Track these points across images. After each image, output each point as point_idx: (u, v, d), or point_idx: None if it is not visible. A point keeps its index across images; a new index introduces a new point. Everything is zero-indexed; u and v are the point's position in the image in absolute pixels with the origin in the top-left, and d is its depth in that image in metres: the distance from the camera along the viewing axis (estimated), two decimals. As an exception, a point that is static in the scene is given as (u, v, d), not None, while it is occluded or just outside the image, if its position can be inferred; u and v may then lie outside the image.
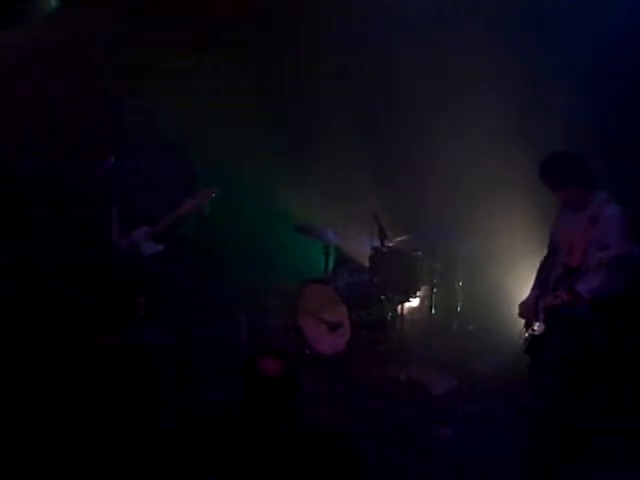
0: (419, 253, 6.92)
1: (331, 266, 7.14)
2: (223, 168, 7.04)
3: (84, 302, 5.32)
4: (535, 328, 4.82)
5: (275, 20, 7.29)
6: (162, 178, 5.90)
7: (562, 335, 4.64)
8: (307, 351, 6.65)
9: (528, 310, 4.94)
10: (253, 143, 7.14)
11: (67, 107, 6.85)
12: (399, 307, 6.86)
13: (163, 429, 4.57)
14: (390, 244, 6.86)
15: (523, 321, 6.19)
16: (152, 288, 5.42)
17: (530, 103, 6.66)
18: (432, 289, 7.04)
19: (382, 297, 6.81)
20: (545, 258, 5.08)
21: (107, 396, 4.11)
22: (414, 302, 7.06)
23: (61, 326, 5.82)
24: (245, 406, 3.33)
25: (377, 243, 6.88)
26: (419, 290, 6.98)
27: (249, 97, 7.07)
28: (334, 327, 6.61)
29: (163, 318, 5.54)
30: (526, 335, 4.89)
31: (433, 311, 7.04)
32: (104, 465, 4.00)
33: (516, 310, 6.55)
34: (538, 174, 4.76)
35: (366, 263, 7.06)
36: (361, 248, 7.23)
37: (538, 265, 5.14)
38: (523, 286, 6.47)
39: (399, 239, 7.01)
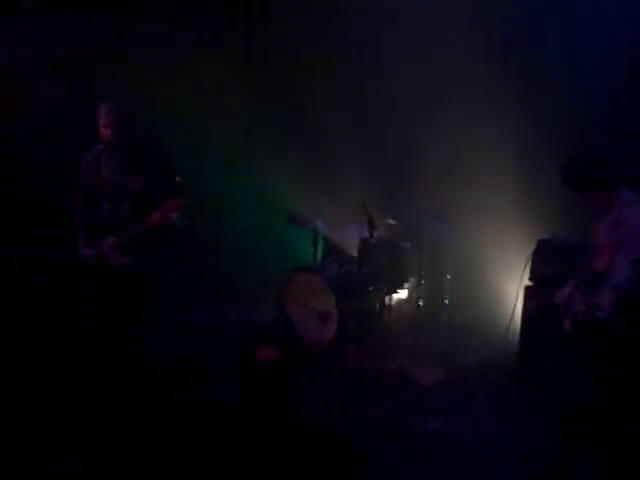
0: (408, 245, 6.95)
1: (320, 256, 7.15)
2: (213, 160, 7.03)
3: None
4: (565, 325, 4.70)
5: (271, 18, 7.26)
6: (132, 186, 5.40)
7: (588, 338, 4.50)
8: (295, 340, 6.65)
9: (561, 299, 4.75)
10: (243, 135, 7.10)
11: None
12: (387, 298, 6.89)
13: (161, 422, 4.61)
14: (378, 234, 6.88)
15: (509, 314, 6.31)
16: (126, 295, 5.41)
17: (522, 96, 6.68)
18: (420, 281, 7.09)
19: (370, 288, 6.83)
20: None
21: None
22: (402, 293, 7.10)
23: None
24: (243, 395, 3.35)
25: (366, 234, 6.89)
26: (407, 281, 7.02)
27: (240, 89, 7.00)
28: (322, 316, 6.62)
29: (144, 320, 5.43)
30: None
31: (421, 303, 7.09)
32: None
33: (502, 302, 6.70)
34: (561, 172, 4.52)
35: (355, 253, 7.08)
36: (350, 238, 7.25)
37: (530, 258, 5.10)
38: (511, 278, 6.58)
39: (388, 221, 7.02)
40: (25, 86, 6.46)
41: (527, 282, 6.31)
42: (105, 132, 5.25)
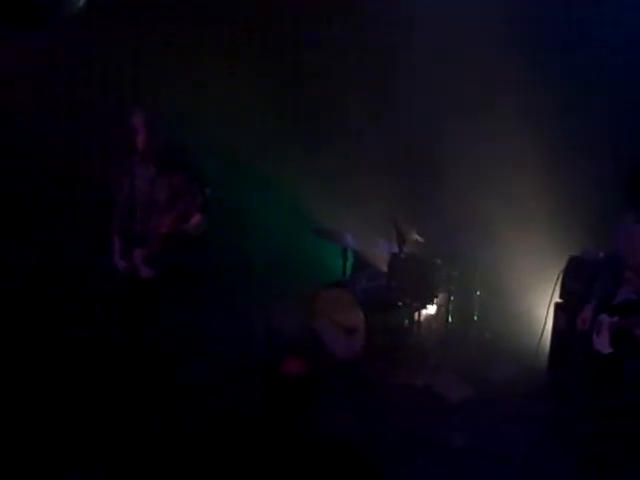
0: (438, 261, 6.91)
1: (349, 270, 7.14)
2: (241, 171, 7.07)
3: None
4: (597, 344, 4.71)
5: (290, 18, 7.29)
6: (162, 196, 5.37)
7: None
8: (323, 355, 6.64)
9: (585, 323, 4.81)
10: (272, 145, 7.11)
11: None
12: (416, 314, 6.85)
13: (181, 429, 4.61)
14: (408, 250, 6.87)
15: (539, 331, 6.25)
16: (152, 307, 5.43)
17: (556, 107, 6.64)
18: (449, 297, 7.03)
19: (399, 303, 6.81)
20: (602, 271, 4.91)
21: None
22: (431, 309, 7.05)
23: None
24: (266, 406, 3.36)
25: (395, 249, 6.88)
26: (436, 297, 6.97)
27: (270, 103, 7.04)
28: (350, 331, 6.61)
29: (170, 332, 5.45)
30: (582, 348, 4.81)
31: (450, 319, 7.02)
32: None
33: (532, 319, 6.64)
34: (629, 186, 4.52)
35: (384, 268, 7.06)
36: (379, 253, 7.25)
37: (560, 275, 5.06)
38: (541, 295, 6.52)
39: (416, 238, 7.00)
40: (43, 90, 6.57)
41: (557, 299, 6.26)
42: (140, 143, 5.30)
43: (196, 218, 5.35)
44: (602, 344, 4.68)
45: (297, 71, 7.36)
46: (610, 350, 4.64)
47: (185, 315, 5.53)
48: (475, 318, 7.12)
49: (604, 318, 4.70)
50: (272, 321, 6.90)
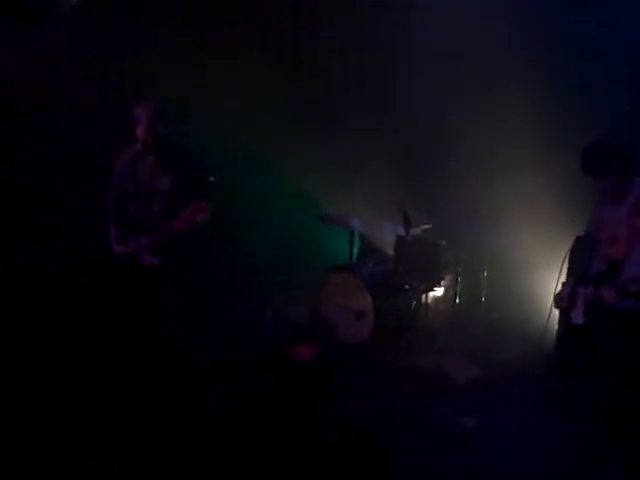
0: (444, 242, 6.92)
1: (355, 254, 7.16)
2: (247, 160, 7.08)
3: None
4: (573, 317, 4.83)
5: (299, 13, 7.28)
6: (163, 186, 5.41)
7: (610, 329, 4.60)
8: (331, 339, 6.67)
9: (565, 300, 4.93)
10: (274, 131, 7.10)
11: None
12: (423, 296, 6.87)
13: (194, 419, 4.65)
14: (415, 232, 6.87)
15: (547, 310, 6.24)
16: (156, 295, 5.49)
17: (556, 87, 6.62)
18: (456, 278, 7.04)
19: (406, 286, 6.83)
20: (577, 248, 5.04)
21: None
22: (438, 291, 7.06)
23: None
24: (276, 393, 3.37)
25: (402, 232, 6.89)
26: (443, 279, 6.99)
27: (272, 89, 7.04)
28: (358, 315, 6.63)
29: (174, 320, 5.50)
30: (561, 325, 4.88)
31: (457, 300, 7.04)
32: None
33: (539, 299, 6.63)
34: (580, 162, 4.68)
35: (391, 252, 7.07)
36: (386, 236, 7.25)
37: (567, 254, 5.12)
38: (547, 275, 6.51)
39: (423, 227, 7.00)
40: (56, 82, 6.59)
41: (564, 279, 6.25)
42: (142, 133, 5.34)
43: (202, 215, 5.40)
44: (577, 317, 4.82)
45: (299, 58, 7.35)
46: (583, 320, 4.76)
47: (188, 304, 5.58)
48: (482, 299, 7.12)
49: (580, 291, 4.83)
50: (279, 308, 6.93)
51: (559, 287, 6.01)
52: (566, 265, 6.16)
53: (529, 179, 6.66)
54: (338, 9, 7.17)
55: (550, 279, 6.38)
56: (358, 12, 7.22)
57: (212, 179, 5.55)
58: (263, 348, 5.94)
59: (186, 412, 5.08)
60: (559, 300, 5.01)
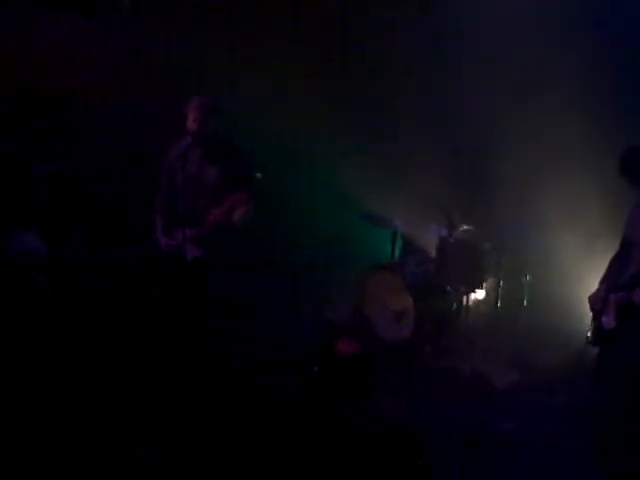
0: (487, 245, 6.88)
1: (397, 254, 7.16)
2: (290, 156, 7.12)
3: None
4: (604, 322, 4.81)
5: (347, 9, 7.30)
6: (209, 179, 5.49)
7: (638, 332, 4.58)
8: (372, 339, 6.67)
9: (597, 303, 4.92)
10: (321, 131, 7.11)
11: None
12: (465, 298, 6.84)
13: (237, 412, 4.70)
14: (458, 234, 6.85)
15: (590, 315, 6.18)
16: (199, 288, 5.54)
17: (606, 90, 6.55)
18: (499, 282, 7.00)
19: (448, 288, 6.81)
20: (617, 254, 5.03)
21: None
22: (480, 294, 7.02)
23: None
24: (316, 386, 3.41)
25: (445, 233, 6.87)
26: (485, 282, 6.95)
27: (321, 89, 7.04)
28: (399, 315, 6.63)
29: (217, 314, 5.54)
30: (592, 328, 4.87)
31: (499, 304, 6.99)
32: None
33: (583, 305, 6.55)
34: (618, 167, 4.71)
35: (433, 253, 7.06)
36: (428, 238, 7.23)
37: (610, 259, 5.08)
38: (591, 280, 6.43)
39: (466, 228, 6.97)
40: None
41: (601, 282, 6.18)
42: (192, 125, 5.42)
43: (242, 209, 5.48)
44: (608, 321, 4.81)
45: (348, 58, 7.36)
46: (614, 325, 4.75)
47: (230, 297, 5.64)
48: (525, 303, 7.06)
49: (611, 296, 4.82)
50: (322, 307, 6.95)
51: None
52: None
53: (576, 182, 6.58)
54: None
55: (595, 284, 6.35)
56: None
57: (259, 175, 5.61)
58: (306, 342, 5.96)
59: (224, 402, 5.12)
60: (592, 303, 5.02)
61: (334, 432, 3.35)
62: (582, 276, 6.74)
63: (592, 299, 5.03)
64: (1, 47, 6.49)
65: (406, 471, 3.70)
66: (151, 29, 6.72)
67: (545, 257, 7.04)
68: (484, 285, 6.96)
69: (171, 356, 5.40)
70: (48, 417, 4.54)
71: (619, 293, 4.73)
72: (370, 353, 5.42)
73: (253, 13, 7.10)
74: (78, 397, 4.88)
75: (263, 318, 6.42)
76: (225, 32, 6.94)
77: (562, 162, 6.68)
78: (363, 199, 7.27)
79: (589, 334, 4.97)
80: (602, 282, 5.04)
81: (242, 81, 6.84)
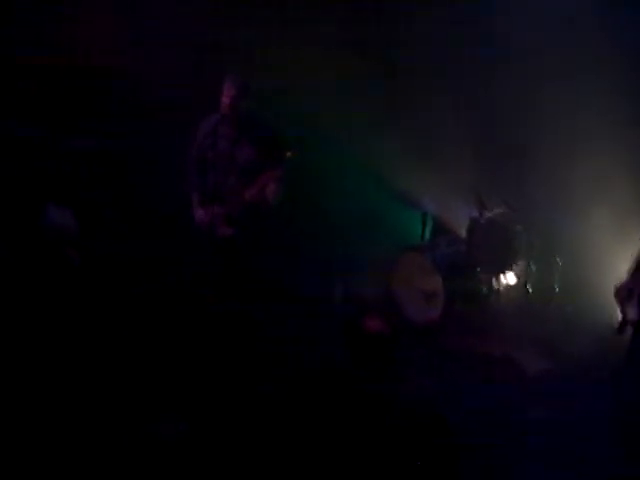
0: (518, 227, 6.82)
1: (428, 235, 7.12)
2: (320, 136, 7.06)
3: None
4: (628, 312, 4.79)
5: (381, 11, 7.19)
6: (242, 157, 5.50)
7: None
8: (401, 319, 6.64)
9: (623, 293, 4.87)
10: (350, 112, 7.08)
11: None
12: (495, 281, 6.79)
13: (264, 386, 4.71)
14: (489, 215, 6.79)
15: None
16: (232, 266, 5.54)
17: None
18: (529, 266, 6.93)
19: (478, 269, 6.77)
20: None
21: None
22: (510, 278, 6.96)
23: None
24: (348, 363, 3.39)
25: (476, 214, 6.81)
26: (516, 264, 6.89)
27: (352, 76, 7.02)
28: (429, 296, 6.60)
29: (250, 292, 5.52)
30: (619, 318, 4.83)
31: (530, 289, 6.93)
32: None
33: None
34: None
35: (463, 234, 7.01)
36: (459, 219, 7.18)
37: (638, 250, 5.01)
38: (622, 266, 6.36)
39: (497, 211, 6.90)
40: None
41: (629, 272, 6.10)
42: (225, 103, 5.41)
43: (274, 188, 5.47)
44: (633, 312, 4.77)
45: (380, 42, 7.28)
46: (637, 315, 4.73)
47: (262, 274, 5.63)
48: (556, 289, 6.99)
49: (637, 287, 4.77)
50: (351, 285, 6.93)
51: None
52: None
53: (613, 168, 6.48)
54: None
55: (625, 270, 6.27)
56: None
57: (289, 154, 5.57)
58: (335, 319, 5.94)
59: (252, 378, 5.13)
60: (616, 293, 4.95)
61: (362, 409, 3.35)
62: (613, 261, 6.68)
63: (617, 289, 4.97)
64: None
65: (434, 452, 3.71)
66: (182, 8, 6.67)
67: (576, 240, 6.95)
68: (514, 268, 6.90)
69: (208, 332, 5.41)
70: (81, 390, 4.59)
71: None
72: (397, 332, 5.38)
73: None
74: (106, 374, 4.92)
75: (295, 297, 6.41)
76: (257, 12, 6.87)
77: (594, 145, 6.58)
78: (394, 180, 7.22)
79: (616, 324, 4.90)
80: (629, 272, 4.95)
81: (274, 62, 6.78)
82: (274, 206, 5.56)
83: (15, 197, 5.91)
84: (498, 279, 6.85)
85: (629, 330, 4.86)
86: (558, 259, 6.97)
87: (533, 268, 6.93)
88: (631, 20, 6.54)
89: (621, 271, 6.42)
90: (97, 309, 5.30)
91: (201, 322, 5.47)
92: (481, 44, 7.03)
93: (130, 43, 6.66)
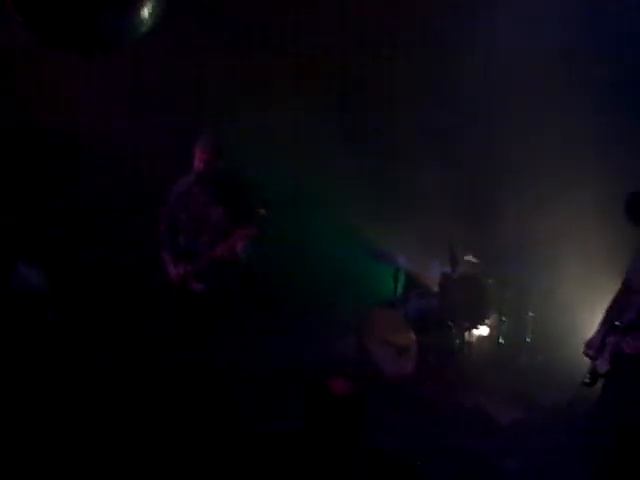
0: (490, 280, 6.88)
1: (400, 290, 7.15)
2: (296, 194, 7.15)
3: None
4: (598, 365, 4.82)
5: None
6: (214, 217, 5.59)
7: (628, 380, 4.63)
8: (374, 374, 6.64)
9: (594, 346, 4.91)
10: (327, 168, 7.14)
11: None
12: (467, 334, 6.83)
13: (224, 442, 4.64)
14: (460, 269, 6.85)
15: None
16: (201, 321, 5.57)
17: (613, 130, 6.56)
18: (501, 318, 6.99)
19: (450, 323, 6.80)
20: (618, 296, 5.01)
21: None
22: (483, 331, 7.01)
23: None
24: (309, 426, 3.36)
25: (447, 269, 6.87)
26: (488, 318, 6.94)
27: (325, 124, 7.09)
28: (401, 351, 6.61)
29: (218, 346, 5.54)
30: (590, 369, 4.85)
31: (502, 340, 6.97)
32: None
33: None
34: (623, 211, 4.74)
35: (435, 289, 7.05)
36: (431, 274, 7.24)
37: (610, 301, 5.07)
38: (595, 318, 6.40)
39: (468, 259, 6.96)
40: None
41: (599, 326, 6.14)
42: (199, 164, 5.49)
43: (244, 238, 5.56)
44: (602, 364, 4.81)
45: (347, 81, 7.42)
46: (607, 369, 4.76)
47: (236, 332, 5.63)
48: (528, 340, 7.04)
49: (609, 340, 4.80)
50: (324, 341, 6.92)
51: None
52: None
53: (582, 220, 6.58)
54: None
55: (597, 322, 6.31)
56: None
57: (263, 211, 5.63)
58: (303, 378, 5.90)
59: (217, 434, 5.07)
60: (587, 348, 4.98)
61: (329, 473, 3.31)
62: (586, 314, 6.73)
63: (588, 344, 5.01)
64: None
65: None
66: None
67: (549, 294, 7.02)
68: (487, 321, 6.95)
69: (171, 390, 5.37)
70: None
71: (615, 337, 4.73)
72: (364, 393, 5.37)
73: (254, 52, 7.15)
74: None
75: (264, 349, 6.40)
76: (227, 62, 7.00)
77: (562, 198, 6.69)
78: (367, 235, 7.28)
79: (587, 375, 4.92)
80: (601, 325, 5.01)
81: (244, 116, 6.89)
82: (243, 263, 5.61)
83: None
84: (470, 332, 6.88)
85: (599, 382, 4.88)
86: (530, 311, 7.04)
87: (505, 320, 6.98)
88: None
89: (591, 322, 6.51)
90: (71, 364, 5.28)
91: (165, 377, 5.43)
92: (447, 108, 7.19)
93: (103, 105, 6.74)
